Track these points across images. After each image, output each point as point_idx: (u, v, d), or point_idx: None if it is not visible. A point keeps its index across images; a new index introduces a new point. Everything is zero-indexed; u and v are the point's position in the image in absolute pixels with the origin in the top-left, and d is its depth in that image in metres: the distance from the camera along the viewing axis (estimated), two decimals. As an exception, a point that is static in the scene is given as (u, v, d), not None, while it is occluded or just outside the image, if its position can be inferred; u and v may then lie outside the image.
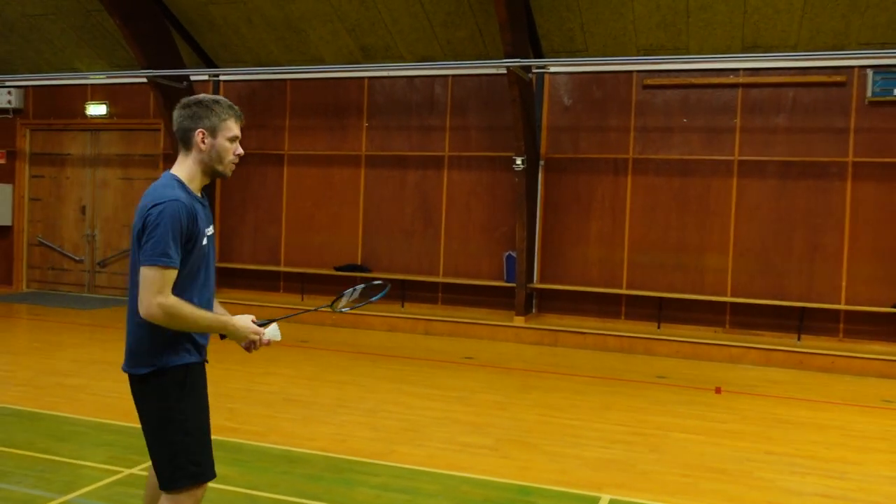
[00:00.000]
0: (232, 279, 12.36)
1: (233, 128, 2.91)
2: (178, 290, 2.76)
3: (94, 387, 6.97)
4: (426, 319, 10.61)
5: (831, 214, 9.58)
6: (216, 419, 5.91)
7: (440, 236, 11.22)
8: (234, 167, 2.99)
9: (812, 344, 9.35)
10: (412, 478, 4.84)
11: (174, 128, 2.92)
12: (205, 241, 2.90)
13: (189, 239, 2.79)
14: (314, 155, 11.85)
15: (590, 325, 10.22)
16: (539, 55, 10.23)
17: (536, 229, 10.63)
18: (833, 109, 9.50)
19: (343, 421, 5.98)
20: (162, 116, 12.08)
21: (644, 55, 9.94)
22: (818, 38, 9.20)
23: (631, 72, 10.20)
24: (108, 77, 12.63)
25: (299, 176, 11.97)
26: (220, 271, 12.48)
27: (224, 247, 12.45)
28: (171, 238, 2.70)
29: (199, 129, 2.87)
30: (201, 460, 2.85)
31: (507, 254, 10.71)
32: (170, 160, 12.41)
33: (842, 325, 9.53)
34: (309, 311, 3.58)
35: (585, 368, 8.71)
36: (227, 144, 2.91)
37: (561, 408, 6.83)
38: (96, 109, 12.99)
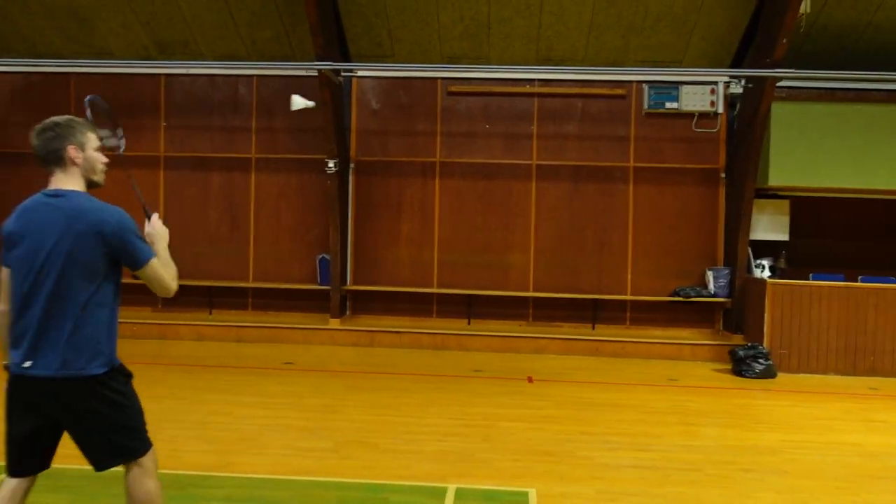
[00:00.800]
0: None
1: (94, 139, 3.18)
2: (112, 300, 3.11)
3: None
4: (237, 326, 10.28)
5: (616, 214, 10.59)
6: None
7: (249, 240, 10.91)
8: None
9: (605, 332, 10.29)
10: (258, 486, 4.74)
11: (39, 152, 3.09)
12: None
13: None
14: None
15: (404, 324, 10.46)
16: (347, 59, 10.30)
17: (348, 232, 10.70)
18: (616, 119, 10.51)
19: (172, 436, 5.68)
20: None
21: (448, 63, 10.35)
22: (602, 54, 10.13)
23: (436, 78, 10.59)
24: None
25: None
26: None
27: None
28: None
29: (70, 146, 3.09)
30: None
31: (319, 256, 10.66)
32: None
33: (628, 314, 10.58)
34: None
35: (405, 367, 8.92)
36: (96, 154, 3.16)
37: (390, 406, 6.96)
38: None
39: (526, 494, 4.71)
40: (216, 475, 4.93)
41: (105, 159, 3.17)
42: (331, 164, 10.01)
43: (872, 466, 5.53)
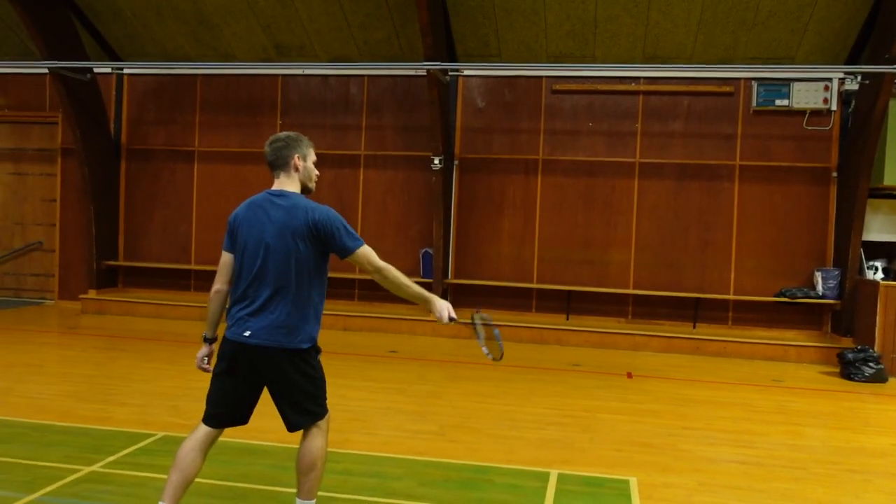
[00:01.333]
0: (139, 278, 12.07)
1: (313, 154, 3.79)
2: (319, 286, 3.65)
3: (20, 389, 6.76)
4: (345, 315, 10.77)
5: (721, 213, 10.47)
6: (160, 416, 5.92)
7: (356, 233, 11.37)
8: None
9: (706, 331, 10.21)
10: (372, 463, 5.09)
11: (269, 157, 3.71)
12: None
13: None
14: (226, 152, 11.75)
15: (503, 318, 10.69)
16: (454, 58, 10.60)
17: (451, 227, 11.01)
18: (722, 117, 10.39)
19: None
20: (60, 109, 11.62)
21: (553, 62, 10.50)
22: (710, 51, 10.04)
23: (541, 77, 10.75)
24: (2, 66, 12.00)
25: (211, 173, 11.83)
26: (126, 270, 12.18)
27: (129, 245, 12.13)
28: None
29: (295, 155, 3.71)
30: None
31: (423, 251, 11.03)
32: (68, 155, 11.98)
33: (731, 314, 10.45)
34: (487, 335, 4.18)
35: (504, 359, 9.13)
36: (312, 167, 3.78)
37: (491, 395, 7.22)
38: (-14, 101, 12.33)
39: (627, 482, 4.86)
40: (334, 451, 5.29)
41: (317, 172, 3.80)
42: (436, 161, 10.34)
43: None
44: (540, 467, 5.12)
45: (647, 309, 10.61)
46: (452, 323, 3.72)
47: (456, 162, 11.02)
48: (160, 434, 5.48)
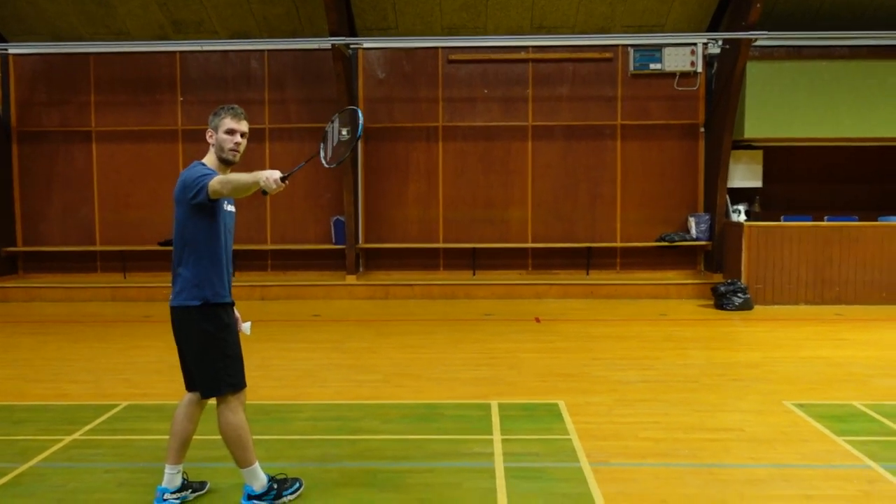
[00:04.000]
0: (40, 263, 11.89)
1: (228, 122, 3.82)
2: (206, 244, 3.75)
3: (-38, 376, 6.85)
4: (261, 286, 11.14)
5: (606, 169, 11.53)
6: (116, 388, 6.21)
7: (266, 205, 11.71)
8: (234, 155, 3.86)
9: (598, 276, 11.31)
10: (333, 409, 5.67)
11: None
12: (228, 208, 3.89)
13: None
14: (126, 131, 11.69)
15: (414, 277, 11.38)
16: (354, 33, 11.01)
17: (359, 194, 11.53)
18: (604, 81, 11.38)
19: (242, 376, 6.58)
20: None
21: (448, 34, 11.11)
22: (591, 21, 10.95)
23: (437, 48, 11.35)
24: None
25: (111, 153, 11.75)
26: (26, 256, 11.97)
27: (29, 230, 11.91)
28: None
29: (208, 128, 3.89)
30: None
31: (334, 218, 11.50)
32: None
33: (618, 260, 11.60)
34: (308, 161, 4.11)
35: (422, 314, 9.87)
36: (224, 136, 3.82)
37: (421, 346, 7.92)
38: None
39: (557, 405, 5.69)
40: (294, 403, 5.86)
41: (236, 141, 3.82)
42: (344, 132, 10.76)
43: (838, 373, 6.60)
44: (480, 400, 5.87)
45: (545, 260, 11.58)
46: (284, 182, 3.61)
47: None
48: (124, 403, 5.83)
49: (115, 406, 5.75)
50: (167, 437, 4.52)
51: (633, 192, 11.52)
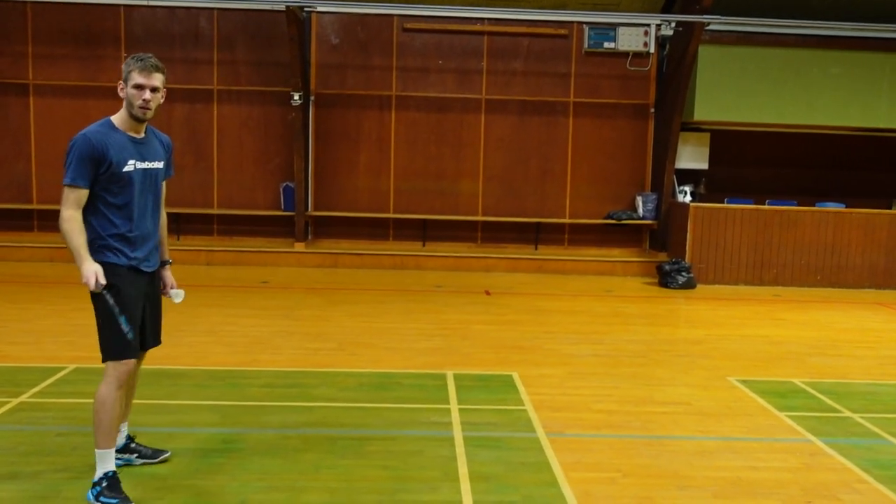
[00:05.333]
0: (-28, 220, 11.39)
1: (136, 77, 3.52)
2: (101, 214, 3.53)
3: None
4: (207, 250, 10.92)
5: (557, 145, 11.62)
6: (60, 351, 6.02)
7: (213, 169, 11.44)
8: (144, 112, 3.54)
9: (546, 252, 11.45)
10: (289, 377, 5.63)
11: None
12: (129, 168, 3.55)
13: (99, 165, 3.46)
14: (66, 86, 11.22)
15: (364, 247, 11.32)
16: (308, -5, 10.75)
17: (310, 161, 11.36)
18: (559, 57, 11.43)
19: (192, 342, 6.46)
20: None
21: (404, 2, 10.95)
22: (548, -5, 10.96)
23: (393, 15, 11.20)
24: None
25: (50, 107, 11.27)
26: (-41, 212, 11.44)
27: (-41, 185, 11.37)
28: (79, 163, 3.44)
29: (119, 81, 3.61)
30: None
31: (283, 184, 11.32)
32: None
33: (567, 236, 11.75)
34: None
35: (371, 284, 9.84)
36: (133, 91, 3.52)
37: (373, 315, 7.90)
38: None
39: (511, 376, 5.77)
40: (248, 369, 5.79)
41: (145, 98, 3.48)
42: (296, 97, 10.60)
43: (777, 351, 6.87)
44: (435, 370, 5.91)
45: (494, 234, 11.66)
46: (101, 289, 3.47)
47: (312, 97, 11.31)
48: (71, 366, 5.67)
49: (62, 369, 5.59)
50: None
51: (582, 169, 11.66)
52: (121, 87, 3.54)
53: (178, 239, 11.19)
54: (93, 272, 3.42)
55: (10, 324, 7.12)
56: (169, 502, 3.57)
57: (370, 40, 11.33)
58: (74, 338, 6.56)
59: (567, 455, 4.26)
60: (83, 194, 3.47)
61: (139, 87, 3.49)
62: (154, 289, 3.86)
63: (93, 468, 3.57)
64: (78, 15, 11.08)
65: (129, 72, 3.52)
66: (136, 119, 3.56)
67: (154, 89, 3.53)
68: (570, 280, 10.58)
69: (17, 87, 11.21)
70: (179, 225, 11.19)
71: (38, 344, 6.40)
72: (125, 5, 11.06)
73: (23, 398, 4.94)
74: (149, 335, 3.84)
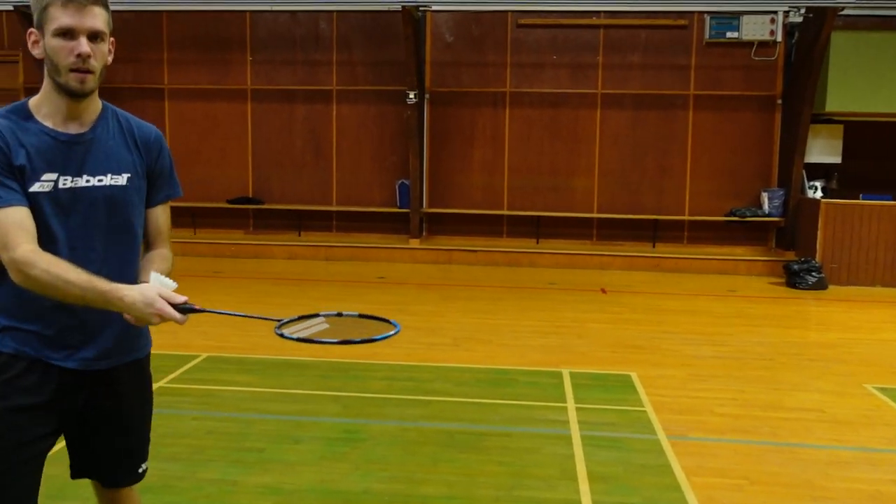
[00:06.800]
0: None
1: (58, 16, 1.95)
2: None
3: None
4: (326, 246, 11.25)
5: (676, 140, 11.26)
6: (189, 339, 6.33)
7: (332, 167, 11.78)
8: (81, 77, 1.98)
9: (664, 249, 11.12)
10: (407, 370, 5.73)
11: None
12: (39, 188, 2.00)
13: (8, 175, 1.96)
14: (197, 89, 11.84)
15: (477, 243, 11.36)
16: (422, -7, 10.90)
17: (424, 159, 11.51)
18: (677, 49, 11.07)
19: (314, 334, 6.69)
20: (21, 47, 11.47)
21: (519, -3, 10.93)
22: (667, -14, 10.64)
23: (507, 11, 11.17)
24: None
25: (181, 110, 11.93)
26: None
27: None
28: None
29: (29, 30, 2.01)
30: None
31: (399, 182, 11.52)
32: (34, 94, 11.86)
33: (686, 233, 11.37)
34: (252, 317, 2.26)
35: (486, 280, 9.87)
36: (56, 42, 1.96)
37: (489, 311, 7.92)
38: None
39: (629, 376, 5.65)
40: (368, 362, 5.92)
41: (80, 51, 1.95)
42: (411, 96, 10.76)
43: (921, 357, 6.41)
44: (551, 367, 5.86)
45: (610, 231, 11.43)
46: (184, 316, 2.02)
47: (427, 95, 11.44)
48: (204, 355, 5.99)
49: (196, 357, 5.91)
50: (248, 388, 4.63)
51: (703, 165, 11.25)
52: (33, 39, 2.00)
53: (300, 235, 11.58)
54: (154, 303, 1.96)
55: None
56: (297, 487, 3.70)
57: (484, 37, 11.35)
58: (206, 328, 6.91)
59: (689, 459, 4.12)
60: (18, 213, 1.94)
61: (66, 32, 1.95)
62: (116, 396, 2.24)
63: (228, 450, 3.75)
64: (208, 22, 11.67)
65: (45, 7, 1.96)
66: (68, 94, 2.01)
67: (94, 35, 1.97)
68: (690, 279, 10.24)
69: (154, 91, 11.92)
70: (301, 221, 11.58)
71: (173, 333, 6.76)
72: (250, 10, 11.57)
73: (161, 383, 5.25)
74: (99, 462, 2.29)
